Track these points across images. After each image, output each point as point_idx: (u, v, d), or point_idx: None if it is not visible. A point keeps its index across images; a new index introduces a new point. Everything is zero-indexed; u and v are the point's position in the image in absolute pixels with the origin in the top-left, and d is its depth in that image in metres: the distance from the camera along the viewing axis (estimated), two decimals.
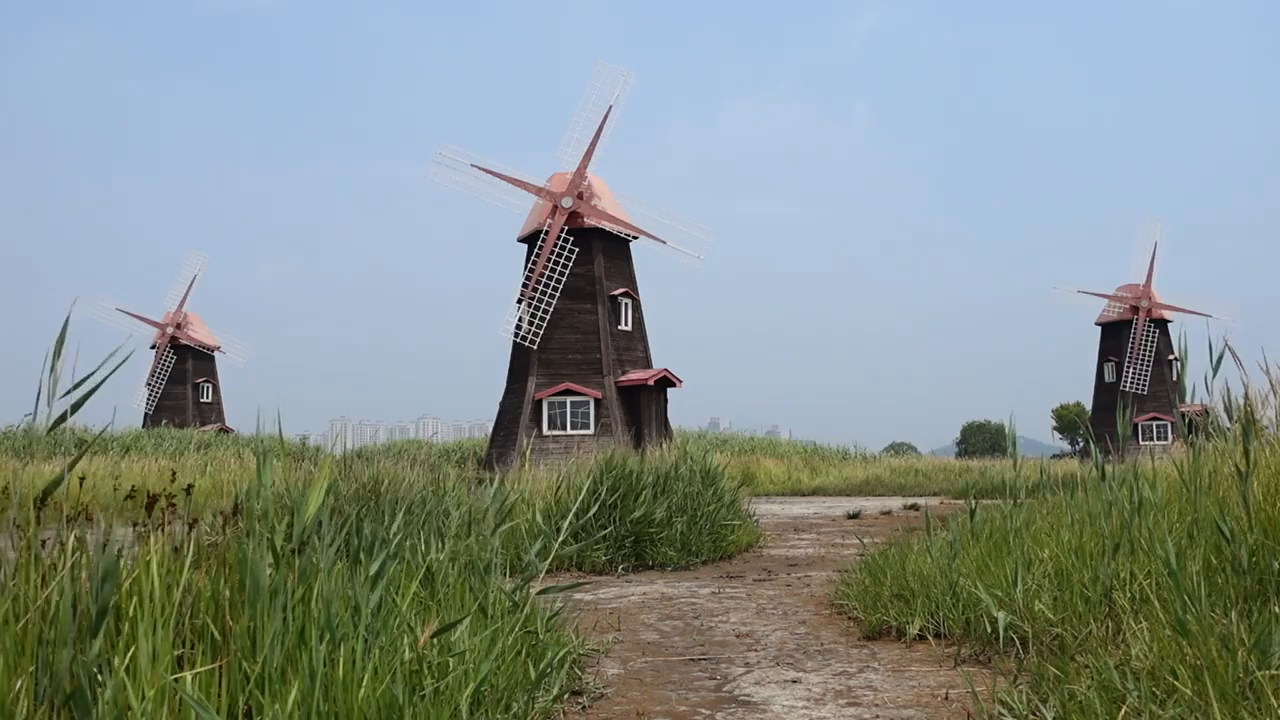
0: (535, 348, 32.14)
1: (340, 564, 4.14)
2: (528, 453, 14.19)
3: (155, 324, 54.12)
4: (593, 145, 32.22)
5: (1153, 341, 49.26)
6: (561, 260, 32.48)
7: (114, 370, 2.93)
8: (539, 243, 32.79)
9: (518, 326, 32.15)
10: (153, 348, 54.37)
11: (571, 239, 32.66)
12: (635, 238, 33.13)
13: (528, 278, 32.84)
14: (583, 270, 33.09)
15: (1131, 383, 49.37)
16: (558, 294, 32.42)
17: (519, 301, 32.26)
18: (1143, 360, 49.35)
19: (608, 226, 32.47)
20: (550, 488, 11.26)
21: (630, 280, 34.06)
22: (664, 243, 32.47)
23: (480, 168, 32.23)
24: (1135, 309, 49.54)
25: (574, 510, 10.14)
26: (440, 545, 6.14)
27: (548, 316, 32.48)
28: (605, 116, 32.09)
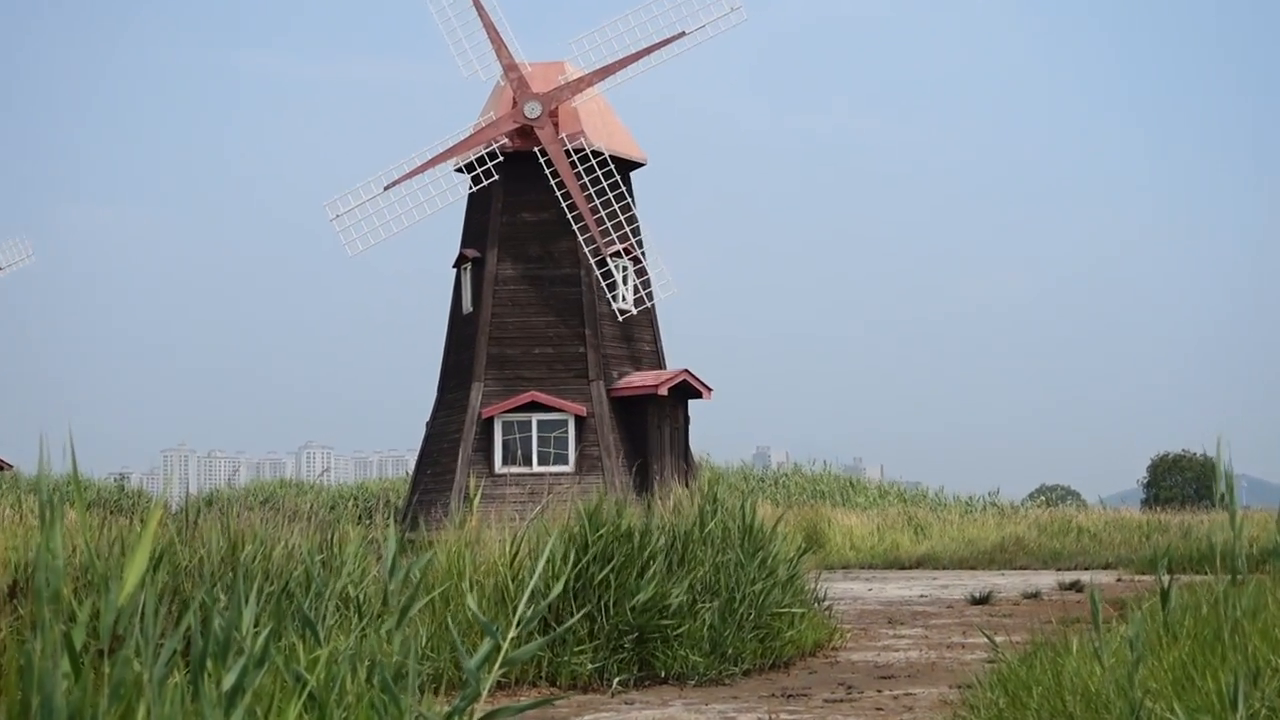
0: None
1: (178, 672, 4.18)
2: (474, 500, 14.18)
3: None
4: (621, 64, 32.59)
5: None
6: (481, 172, 32.75)
7: None
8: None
9: (363, 233, 32.30)
10: None
11: (508, 160, 32.79)
12: (597, 247, 32.97)
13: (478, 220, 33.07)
14: (554, 215, 33.04)
15: None
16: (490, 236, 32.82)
17: (386, 188, 32.24)
18: None
19: (556, 183, 32.44)
20: (505, 555, 11.34)
21: (633, 234, 33.96)
22: (609, 275, 33.08)
23: None
24: None
25: (539, 588, 10.10)
26: (334, 644, 6.17)
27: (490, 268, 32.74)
28: (667, 41, 32.32)
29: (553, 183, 32.46)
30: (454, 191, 33.32)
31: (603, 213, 32.80)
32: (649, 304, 34.21)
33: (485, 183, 32.90)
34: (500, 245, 33.26)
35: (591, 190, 32.54)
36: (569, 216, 32.61)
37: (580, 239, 32.67)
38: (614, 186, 32.99)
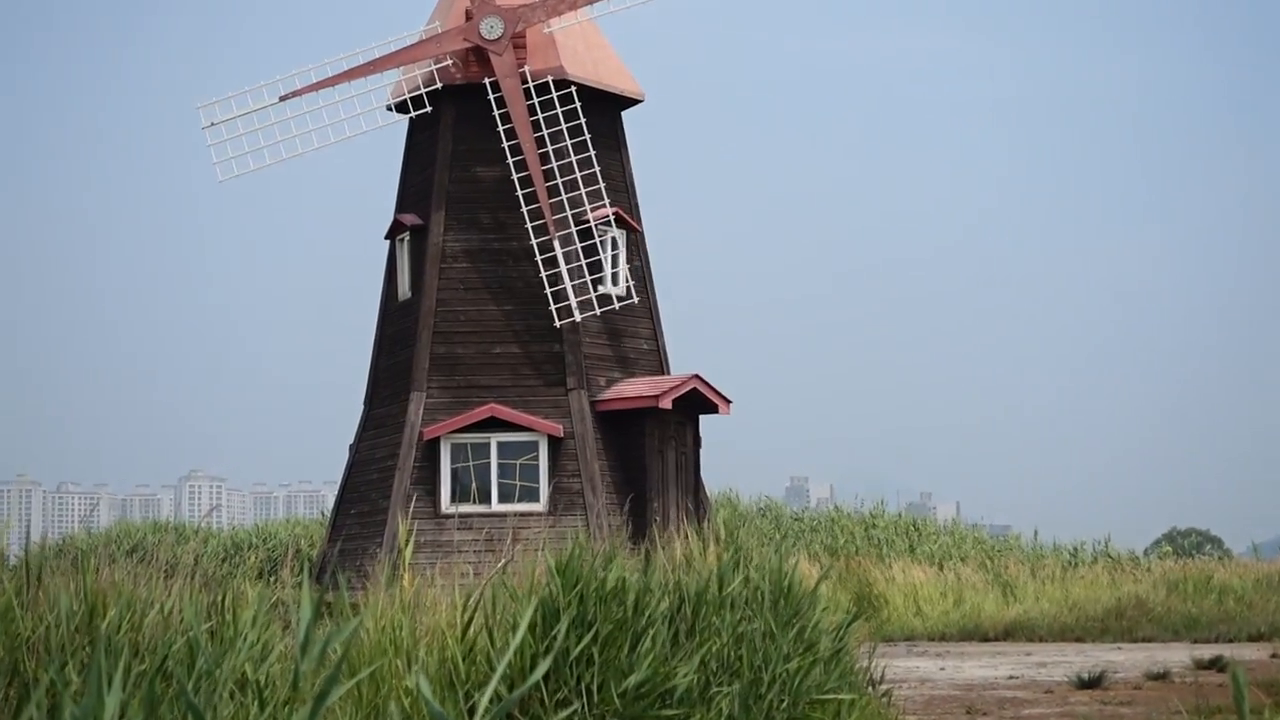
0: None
1: None
2: (406, 550, 14.24)
3: None
4: None
5: None
6: (411, 99, 32.97)
7: None
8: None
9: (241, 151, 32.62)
10: None
11: (457, 95, 32.91)
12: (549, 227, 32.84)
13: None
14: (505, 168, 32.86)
15: None
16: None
17: (283, 98, 32.36)
18: None
19: (507, 131, 32.26)
20: (455, 623, 11.55)
21: (625, 192, 33.96)
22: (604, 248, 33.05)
23: None
24: None
25: (503, 668, 9.80)
26: None
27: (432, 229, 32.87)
28: None
29: (501, 129, 32.26)
30: (370, 118, 33.80)
31: (560, 177, 32.85)
32: (648, 291, 34.13)
33: (414, 113, 33.32)
34: (448, 210, 33.48)
35: (551, 146, 32.53)
36: (516, 177, 32.40)
37: (532, 204, 32.55)
38: (582, 143, 32.95)
